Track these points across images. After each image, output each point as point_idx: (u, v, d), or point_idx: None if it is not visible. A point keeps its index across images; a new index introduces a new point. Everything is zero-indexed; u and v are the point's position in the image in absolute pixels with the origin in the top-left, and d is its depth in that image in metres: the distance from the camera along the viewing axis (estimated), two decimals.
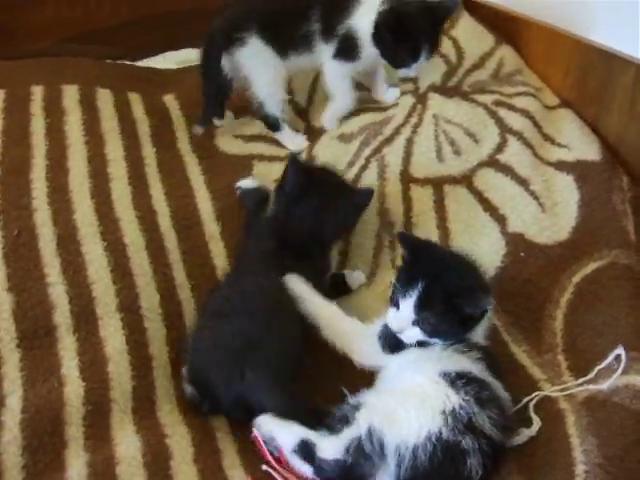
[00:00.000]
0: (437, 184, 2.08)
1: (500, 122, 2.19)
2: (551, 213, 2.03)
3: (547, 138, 2.20)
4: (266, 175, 2.09)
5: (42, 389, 1.59)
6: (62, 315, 1.70)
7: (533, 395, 1.68)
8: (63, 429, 1.56)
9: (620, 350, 1.69)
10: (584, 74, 2.27)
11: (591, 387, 1.66)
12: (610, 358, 1.69)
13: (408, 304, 1.58)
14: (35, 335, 1.67)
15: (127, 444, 1.56)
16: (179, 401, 1.70)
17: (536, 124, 2.23)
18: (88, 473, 1.50)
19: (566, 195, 2.06)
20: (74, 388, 1.61)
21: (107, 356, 1.67)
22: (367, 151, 2.16)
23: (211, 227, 1.99)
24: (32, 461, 1.51)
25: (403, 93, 2.34)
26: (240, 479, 1.56)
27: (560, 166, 2.12)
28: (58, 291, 1.73)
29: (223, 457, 1.62)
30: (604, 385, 1.64)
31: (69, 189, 1.92)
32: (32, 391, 1.59)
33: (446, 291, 1.55)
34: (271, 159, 2.15)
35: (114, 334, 1.71)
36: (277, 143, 2.26)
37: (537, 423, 1.62)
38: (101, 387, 1.63)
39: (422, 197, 2.06)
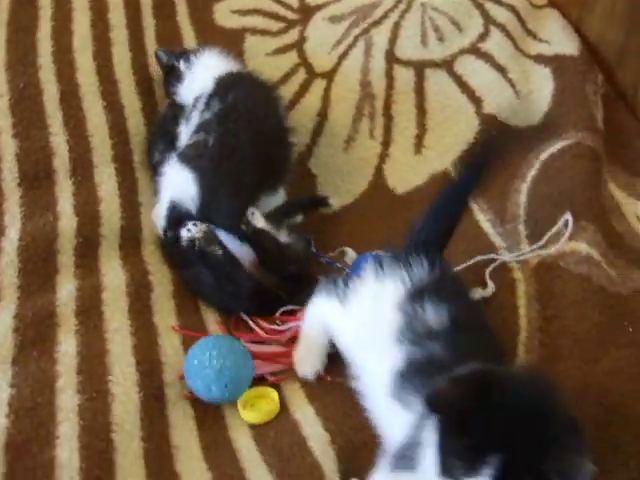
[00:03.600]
0: (419, 67, 2.21)
1: (485, 14, 2.31)
2: (525, 100, 2.16)
3: (530, 33, 2.31)
4: (257, 49, 2.22)
5: (39, 222, 1.74)
6: (61, 161, 1.85)
7: (488, 257, 1.80)
8: (55, 257, 1.71)
9: (568, 216, 1.80)
10: None
11: (542, 252, 1.78)
12: (559, 224, 1.81)
13: None
14: (35, 177, 1.82)
15: (113, 275, 1.71)
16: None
17: (520, 19, 2.34)
18: (76, 296, 1.66)
19: (542, 85, 2.18)
20: (68, 222, 1.76)
21: (100, 198, 1.82)
22: (356, 31, 2.29)
23: None
24: (26, 282, 1.66)
25: None
26: (214, 318, 1.73)
27: (539, 59, 2.24)
28: (59, 140, 1.88)
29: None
30: (552, 249, 1.76)
31: (73, 50, 2.05)
32: (30, 223, 1.74)
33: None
34: (263, 33, 2.26)
35: (107, 180, 1.86)
36: (272, 16, 2.36)
37: (491, 288, 1.73)
38: (92, 223, 1.78)
39: (404, 77, 2.20)
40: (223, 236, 1.75)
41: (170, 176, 1.83)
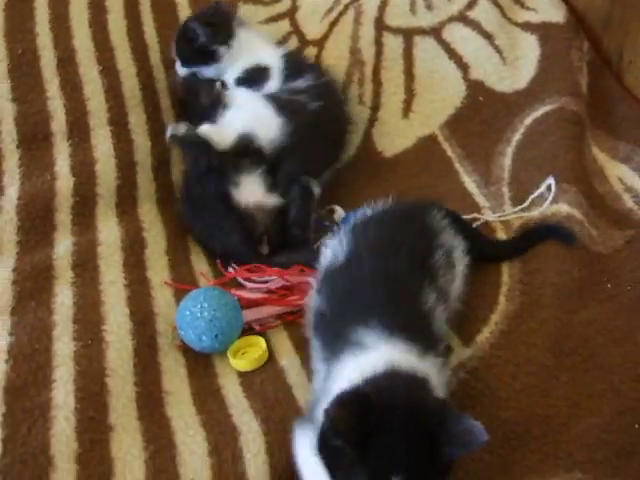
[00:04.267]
0: (407, 34, 2.25)
1: None
2: (512, 66, 2.20)
3: (517, 1, 2.34)
4: (250, 17, 2.27)
5: (37, 182, 1.81)
6: (58, 124, 1.91)
7: (471, 216, 1.86)
8: (53, 215, 1.78)
9: (550, 180, 1.86)
10: None
11: (525, 214, 1.84)
12: (542, 188, 1.86)
13: None
14: (34, 139, 1.88)
15: (109, 232, 1.79)
16: (158, 202, 1.93)
17: None
18: (73, 250, 1.73)
19: (528, 52, 2.22)
20: (65, 182, 1.82)
21: (96, 158, 1.88)
22: None
23: None
24: (25, 238, 1.73)
25: None
26: (204, 270, 1.81)
27: (526, 27, 2.27)
28: (56, 104, 1.94)
29: (192, 252, 1.86)
30: (535, 212, 1.82)
31: (69, 17, 2.10)
32: (28, 183, 1.81)
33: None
34: (256, 2, 2.31)
35: (103, 142, 1.92)
36: None
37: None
38: (89, 183, 1.84)
39: (392, 44, 2.24)
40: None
41: (252, 108, 1.95)
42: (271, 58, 2.10)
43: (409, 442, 1.10)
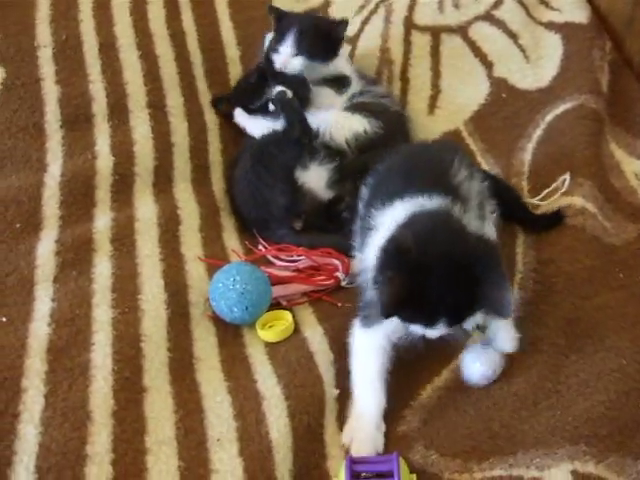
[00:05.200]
0: (435, 32, 2.35)
1: None
2: (535, 65, 2.28)
3: (542, 1, 2.43)
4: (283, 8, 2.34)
5: (78, 160, 1.90)
6: (99, 106, 2.00)
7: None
8: (94, 192, 1.87)
9: (566, 176, 1.94)
10: None
11: (540, 203, 1.93)
12: (558, 182, 1.94)
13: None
14: (76, 120, 1.97)
15: (146, 209, 1.87)
16: (193, 182, 2.01)
17: None
18: (112, 225, 1.81)
19: (551, 51, 2.29)
20: (105, 161, 1.91)
21: (134, 140, 1.97)
22: None
23: (231, 51, 2.30)
24: (67, 213, 1.82)
25: None
26: (235, 247, 1.89)
27: (550, 26, 2.35)
28: (97, 87, 2.03)
29: (224, 230, 1.95)
30: (548, 205, 1.90)
31: (111, 6, 2.21)
32: (70, 161, 1.90)
33: None
34: None
35: (142, 124, 2.01)
36: None
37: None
38: (127, 162, 1.93)
39: (420, 42, 2.34)
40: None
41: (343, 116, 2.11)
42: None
43: (454, 290, 1.34)
